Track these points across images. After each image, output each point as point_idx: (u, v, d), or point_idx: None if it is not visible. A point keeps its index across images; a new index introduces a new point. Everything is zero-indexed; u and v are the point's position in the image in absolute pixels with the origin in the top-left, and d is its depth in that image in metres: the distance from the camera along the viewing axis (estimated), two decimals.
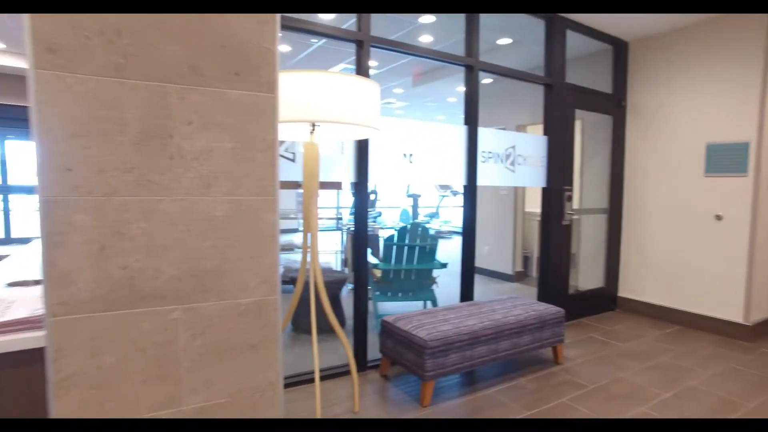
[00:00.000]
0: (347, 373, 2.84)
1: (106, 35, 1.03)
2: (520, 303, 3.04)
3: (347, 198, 8.83)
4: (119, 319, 1.09)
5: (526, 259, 5.85)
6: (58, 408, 1.05)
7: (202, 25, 1.12)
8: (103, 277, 1.06)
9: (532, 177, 3.66)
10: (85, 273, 1.04)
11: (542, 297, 3.83)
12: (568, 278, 3.91)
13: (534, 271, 5.81)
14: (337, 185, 5.06)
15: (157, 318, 1.13)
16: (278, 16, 1.22)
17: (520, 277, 5.70)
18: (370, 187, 4.51)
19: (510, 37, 4.37)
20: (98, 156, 1.04)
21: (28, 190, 7.57)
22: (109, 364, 1.09)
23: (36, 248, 2.91)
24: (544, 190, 3.80)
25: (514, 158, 3.54)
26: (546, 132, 3.78)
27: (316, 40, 4.90)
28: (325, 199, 9.63)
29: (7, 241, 7.69)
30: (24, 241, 7.41)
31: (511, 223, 5.64)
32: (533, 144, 3.66)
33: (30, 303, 1.52)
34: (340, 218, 7.38)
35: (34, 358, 1.34)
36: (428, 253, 3.52)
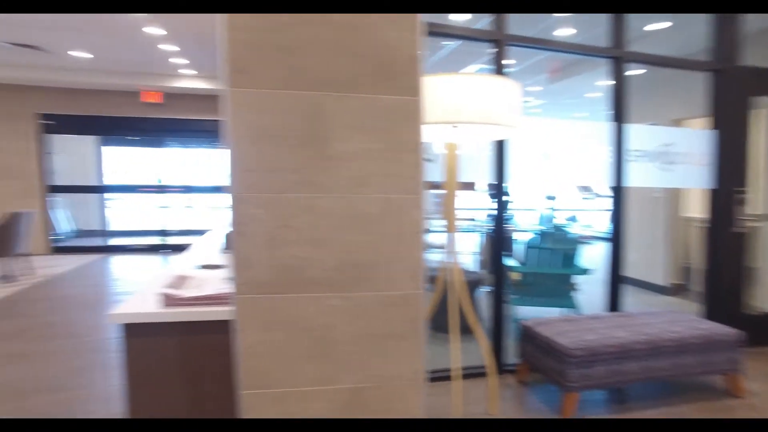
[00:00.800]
0: (481, 374, 2.82)
1: (280, 54, 1.19)
2: (681, 319, 2.72)
3: (479, 199, 8.73)
4: (288, 302, 1.24)
5: (685, 271, 5.18)
6: (244, 371, 1.24)
7: (355, 38, 1.23)
8: (274, 263, 1.23)
9: (692, 177, 3.24)
10: (260, 259, 1.21)
11: (710, 315, 3.36)
12: (743, 296, 3.37)
13: (696, 285, 5.12)
14: (469, 186, 5.04)
15: (320, 303, 1.26)
16: (422, 22, 1.29)
17: (677, 290, 5.06)
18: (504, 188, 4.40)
19: (661, 22, 3.93)
20: (270, 159, 1.21)
21: (204, 190, 8.87)
22: (279, 340, 1.25)
23: (211, 238, 3.42)
24: (711, 193, 3.34)
25: (671, 157, 3.18)
26: (715, 125, 3.32)
27: (447, 43, 4.94)
28: (459, 199, 9.63)
29: (190, 232, 9.10)
30: (200, 233, 8.72)
31: (666, 228, 5.05)
32: (695, 140, 3.24)
33: (216, 282, 1.80)
34: (473, 219, 7.33)
35: (223, 327, 1.60)
36: (569, 257, 3.34)
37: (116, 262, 7.17)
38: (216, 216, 8.59)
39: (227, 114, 1.20)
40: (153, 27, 4.95)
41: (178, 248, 8.20)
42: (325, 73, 1.22)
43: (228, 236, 2.91)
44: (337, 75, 1.23)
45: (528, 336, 2.60)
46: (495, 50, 2.76)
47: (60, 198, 8.11)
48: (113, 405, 2.61)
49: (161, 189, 8.12)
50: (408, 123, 1.28)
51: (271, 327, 1.24)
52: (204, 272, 2.06)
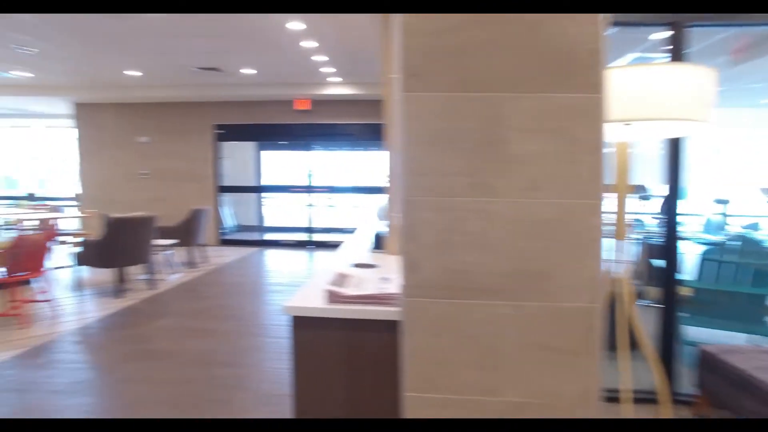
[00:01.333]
0: (648, 401, 2.52)
1: (454, 56, 1.17)
2: None
3: (633, 204, 7.86)
4: (455, 307, 1.23)
5: None
6: (409, 374, 1.25)
7: (532, 36, 1.16)
8: (444, 267, 1.22)
9: None
10: (430, 262, 1.21)
11: None
12: None
13: None
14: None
15: (488, 311, 1.22)
16: (602, 16, 1.17)
17: None
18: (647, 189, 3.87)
19: None
20: (443, 162, 1.20)
21: (347, 190, 9.40)
22: (445, 345, 1.24)
23: (360, 237, 3.59)
24: None
25: None
26: None
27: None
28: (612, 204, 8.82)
29: (333, 230, 9.74)
30: (341, 231, 9.30)
31: None
32: None
33: (375, 282, 1.87)
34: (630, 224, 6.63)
35: (384, 327, 1.65)
36: (763, 274, 2.81)
37: (270, 255, 7.97)
38: (358, 215, 9.06)
39: (400, 118, 1.22)
40: (308, 41, 5.38)
41: (322, 245, 8.83)
42: (501, 73, 1.18)
43: (377, 236, 3.02)
44: (513, 75, 1.17)
45: (710, 364, 2.24)
46: (671, 33, 2.44)
47: (226, 197, 9.27)
48: (277, 385, 2.88)
49: (309, 189, 8.81)
50: (588, 122, 1.18)
51: (437, 332, 1.23)
52: (361, 271, 2.15)
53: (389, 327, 1.65)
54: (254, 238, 9.33)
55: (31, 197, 10.40)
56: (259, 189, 9.65)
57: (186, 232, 6.34)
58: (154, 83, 7.96)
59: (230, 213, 9.88)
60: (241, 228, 10.40)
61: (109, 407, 2.61)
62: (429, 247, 1.21)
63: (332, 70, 6.86)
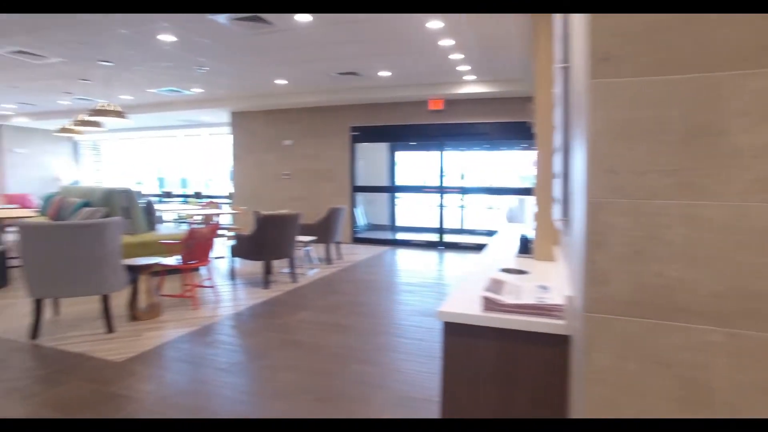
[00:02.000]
0: None
1: (654, 34, 0.99)
2: None
3: None
4: (648, 329, 1.04)
5: None
6: (588, 397, 1.10)
7: None
8: (637, 281, 1.04)
9: None
10: (619, 275, 1.05)
11: None
12: None
13: None
14: None
15: (691, 336, 1.01)
16: None
17: None
18: None
19: None
20: (639, 158, 1.02)
21: (478, 191, 9.18)
22: (632, 371, 1.06)
23: (503, 240, 3.41)
24: None
25: None
26: None
27: None
28: None
29: (467, 231, 9.61)
30: (478, 232, 9.13)
31: None
32: None
33: (533, 291, 1.73)
34: None
35: (546, 340, 1.51)
36: None
37: (401, 254, 8.09)
38: (490, 216, 8.79)
39: (585, 109, 1.08)
40: (446, 39, 5.33)
41: (453, 246, 8.73)
42: (720, 47, 0.97)
43: (523, 240, 2.83)
44: (739, 47, 0.95)
45: None
46: None
47: (359, 196, 9.66)
48: (416, 388, 2.86)
49: (440, 189, 8.77)
50: None
51: (624, 354, 1.06)
52: (514, 278, 2.01)
53: (551, 341, 1.50)
54: (385, 237, 9.58)
55: (197, 195, 11.98)
56: (391, 189, 9.88)
57: (324, 230, 6.72)
58: (298, 90, 8.60)
59: (363, 212, 10.29)
60: (373, 227, 10.77)
61: (260, 391, 2.82)
62: (619, 257, 1.04)
63: (467, 68, 6.72)
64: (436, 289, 5.48)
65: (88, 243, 3.46)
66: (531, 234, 3.00)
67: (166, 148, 13.61)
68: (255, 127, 10.10)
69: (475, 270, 2.35)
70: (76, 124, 7.73)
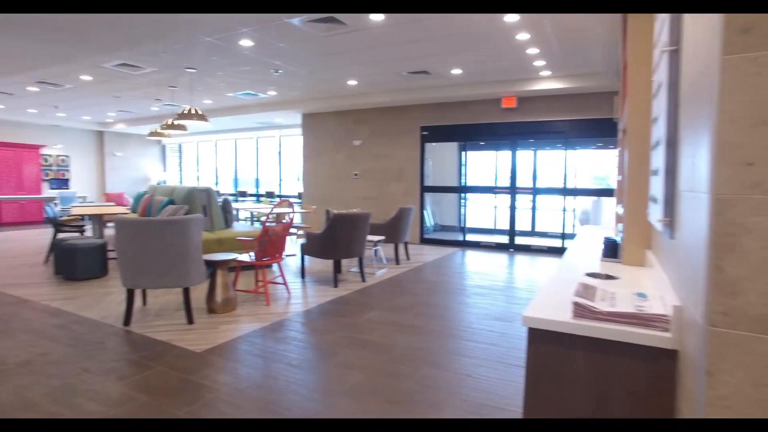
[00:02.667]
0: None
1: None
2: None
3: None
4: None
5: None
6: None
7: None
8: None
9: None
10: (756, 285, 0.89)
11: None
12: None
13: None
14: None
15: None
16: None
17: None
18: None
19: None
20: None
21: (551, 192, 8.78)
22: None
23: (584, 242, 3.19)
24: None
25: None
26: None
27: None
28: None
29: (539, 233, 9.23)
30: (550, 235, 8.73)
31: None
32: None
33: (629, 298, 1.56)
34: None
35: (646, 354, 1.35)
36: None
37: (470, 256, 7.90)
38: (564, 218, 8.37)
39: (710, 91, 0.93)
40: (522, 33, 5.11)
41: (524, 249, 8.40)
42: None
43: (609, 243, 2.62)
44: None
45: None
46: None
47: (427, 196, 9.56)
48: (490, 396, 2.74)
49: (511, 190, 8.47)
50: None
51: (759, 379, 0.90)
52: (606, 283, 1.85)
53: (654, 355, 1.34)
54: (454, 239, 9.41)
55: (269, 195, 12.45)
56: (461, 189, 9.68)
57: (393, 230, 6.70)
58: (368, 90, 8.66)
59: (431, 212, 10.18)
60: (442, 227, 10.64)
61: (331, 390, 2.82)
62: (756, 263, 0.88)
63: (543, 62, 6.43)
64: (508, 292, 5.27)
65: (172, 238, 3.66)
66: (616, 236, 2.77)
67: (242, 148, 14.27)
68: (325, 127, 10.32)
69: (559, 273, 2.19)
70: (164, 128, 8.28)
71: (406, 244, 7.26)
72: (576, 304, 1.46)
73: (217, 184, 14.97)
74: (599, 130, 7.60)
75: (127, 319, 3.87)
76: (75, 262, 5.44)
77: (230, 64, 6.62)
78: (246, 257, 4.58)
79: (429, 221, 9.94)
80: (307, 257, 6.50)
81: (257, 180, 13.83)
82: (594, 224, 10.68)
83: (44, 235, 9.99)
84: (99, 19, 4.58)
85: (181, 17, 4.56)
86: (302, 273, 5.81)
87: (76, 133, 14.02)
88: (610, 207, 9.54)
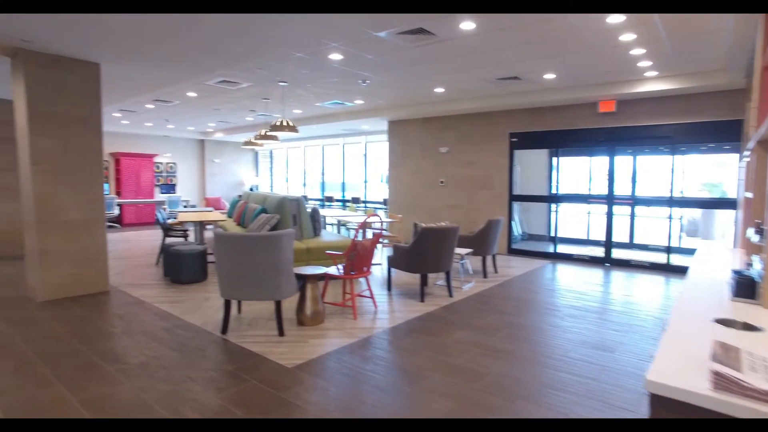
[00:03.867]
0: None
1: None
2: None
3: None
4: None
5: None
6: None
7: None
8: None
9: None
10: None
11: None
12: None
13: None
14: None
15: None
16: None
17: None
18: None
19: None
20: None
21: (654, 202, 8.02)
22: None
23: (701, 266, 2.78)
24: None
25: None
26: None
27: None
28: None
29: (639, 247, 8.52)
30: (652, 248, 7.99)
31: None
32: None
33: None
34: None
35: None
36: None
37: (561, 270, 7.44)
38: (667, 231, 7.60)
39: None
40: (627, 33, 4.69)
41: (623, 263, 7.76)
42: None
43: (740, 278, 2.26)
44: None
45: None
46: None
47: (515, 205, 9.17)
48: None
49: (608, 199, 7.86)
50: None
51: None
52: (750, 340, 1.58)
53: None
54: (543, 250, 8.95)
55: (355, 201, 12.69)
56: (551, 198, 9.20)
57: (481, 242, 6.49)
58: (455, 97, 8.50)
59: (519, 220, 9.77)
60: (530, 237, 10.18)
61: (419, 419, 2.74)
62: None
63: (648, 63, 5.87)
64: (606, 315, 4.86)
65: (265, 253, 3.79)
66: (748, 269, 2.40)
67: (328, 154, 14.72)
68: (411, 134, 10.30)
69: (682, 316, 1.93)
70: (257, 138, 8.74)
71: (494, 256, 7.01)
72: (717, 374, 1.24)
73: (304, 188, 15.57)
74: (714, 134, 6.80)
75: (224, 328, 4.08)
76: (180, 267, 5.88)
77: (319, 76, 6.81)
78: (334, 270, 4.65)
79: (517, 230, 9.54)
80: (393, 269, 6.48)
81: (343, 185, 14.18)
82: (704, 237, 9.59)
83: (155, 236, 10.99)
84: (205, 46, 4.90)
85: (276, 36, 4.74)
86: (388, 285, 5.80)
87: (182, 142, 15.31)
88: (725, 218, 8.48)
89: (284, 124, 7.06)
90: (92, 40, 4.75)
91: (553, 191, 9.32)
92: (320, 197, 14.62)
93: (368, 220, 4.58)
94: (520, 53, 5.50)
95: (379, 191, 13.31)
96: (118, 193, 13.44)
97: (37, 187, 5.16)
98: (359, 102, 9.14)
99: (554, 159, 9.56)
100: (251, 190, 16.34)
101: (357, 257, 4.51)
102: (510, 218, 8.91)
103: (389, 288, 5.78)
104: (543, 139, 8.48)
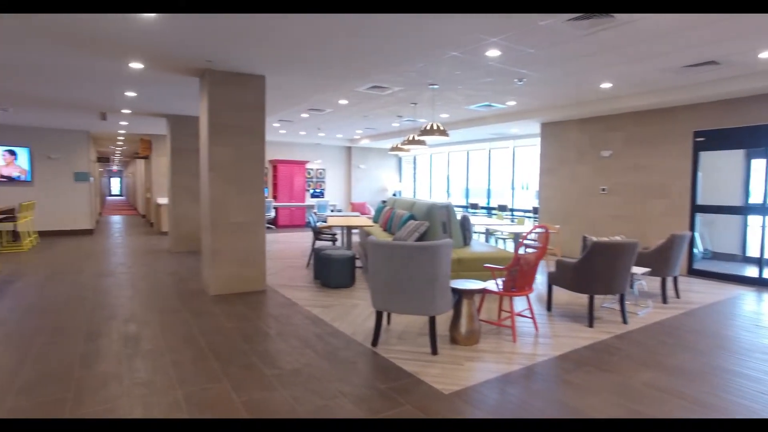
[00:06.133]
0: None
1: None
2: None
3: None
4: None
5: None
6: None
7: None
8: None
9: None
10: None
11: None
12: None
13: None
14: None
15: None
16: None
17: None
18: None
19: None
20: None
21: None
22: None
23: None
24: None
25: None
26: None
27: None
28: None
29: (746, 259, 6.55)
30: None
31: None
32: None
33: None
34: None
35: None
36: None
37: (764, 298, 5.95)
38: None
39: None
40: None
41: None
42: None
43: None
44: None
45: None
46: None
47: (698, 217, 7.70)
48: None
49: None
50: None
51: None
52: None
53: None
54: (736, 273, 7.35)
55: (502, 208, 12.02)
56: (750, 209, 7.54)
57: (661, 261, 5.47)
58: (624, 93, 7.43)
59: (701, 237, 8.20)
60: (714, 256, 8.50)
61: None
62: None
63: None
64: None
65: (422, 264, 3.53)
66: None
67: (473, 160, 14.23)
68: (568, 137, 9.36)
69: None
70: (404, 144, 8.68)
71: (675, 278, 5.88)
72: None
73: (449, 196, 15.30)
74: None
75: (375, 340, 3.92)
76: (329, 272, 5.98)
77: (472, 77, 6.44)
78: (493, 285, 4.22)
79: (698, 247, 8.01)
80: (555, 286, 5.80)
81: (489, 191, 13.58)
82: None
83: (304, 238, 11.67)
84: (362, 51, 4.87)
85: (434, 36, 4.49)
86: (548, 304, 5.16)
87: (330, 149, 16.18)
88: None
89: (434, 128, 6.83)
90: (261, 54, 5.02)
91: (753, 200, 7.61)
92: (464, 204, 14.20)
93: (535, 231, 4.05)
94: (729, 29, 4.46)
95: (528, 199, 12.44)
96: (275, 197, 14.66)
97: (213, 191, 5.65)
98: (511, 103, 8.55)
99: (753, 161, 7.81)
100: (394, 195, 16.61)
101: (520, 273, 4.02)
102: (692, 232, 7.49)
103: (549, 307, 5.13)
104: (741, 137, 6.95)
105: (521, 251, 4.13)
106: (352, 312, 4.96)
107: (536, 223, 6.83)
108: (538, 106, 8.73)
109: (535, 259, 4.05)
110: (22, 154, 11.16)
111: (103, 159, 23.58)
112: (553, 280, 4.87)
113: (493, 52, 5.24)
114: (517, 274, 4.03)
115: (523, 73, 6.19)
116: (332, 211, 15.20)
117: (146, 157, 15.54)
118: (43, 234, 11.50)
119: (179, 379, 3.24)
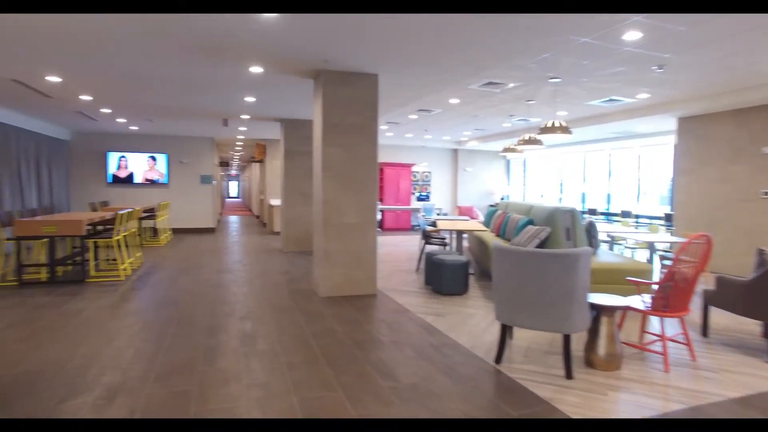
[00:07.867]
0: None
1: None
2: None
3: None
4: None
5: None
6: None
7: None
8: None
9: None
10: None
11: None
12: None
13: None
14: None
15: None
16: None
17: None
18: None
19: None
20: None
21: None
22: None
23: None
24: None
25: None
26: None
27: None
28: None
29: None
30: None
31: None
32: None
33: None
34: None
35: None
36: None
37: None
38: None
39: None
40: None
41: None
42: None
43: None
44: None
45: None
46: None
47: None
48: None
49: None
50: None
51: None
52: None
53: None
54: None
55: (625, 214, 10.82)
56: None
57: None
58: None
59: None
60: None
61: None
62: None
63: None
64: None
65: (558, 274, 3.08)
66: None
67: (591, 162, 13.07)
68: (715, 132, 8.09)
69: None
70: (520, 144, 8.11)
71: None
72: None
73: (560, 201, 14.24)
74: None
75: (498, 357, 3.54)
76: (441, 278, 5.68)
77: (601, 66, 5.75)
78: (637, 302, 3.62)
79: None
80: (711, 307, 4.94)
81: (608, 197, 12.36)
82: None
83: (411, 241, 11.50)
84: (480, 42, 4.53)
85: (563, 23, 4.00)
86: (704, 329, 4.33)
87: (436, 152, 15.91)
88: None
89: (556, 125, 6.23)
90: (374, 52, 4.89)
91: None
92: (581, 209, 13.09)
93: (694, 241, 3.39)
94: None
95: (654, 204, 11.09)
96: (381, 200, 14.75)
97: (326, 192, 5.65)
98: (642, 96, 7.59)
99: None
100: (502, 199, 15.88)
101: (673, 289, 3.38)
102: None
103: (705, 333, 4.32)
104: None
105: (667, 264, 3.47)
106: (468, 322, 4.61)
107: (687, 233, 5.89)
108: (677, 96, 7.65)
109: (694, 274, 3.38)
110: (161, 159, 12.45)
111: (224, 163, 25.78)
112: (711, 300, 4.08)
113: (633, 35, 4.59)
114: (671, 291, 3.38)
115: (665, 58, 5.38)
116: (438, 214, 14.90)
117: (261, 161, 16.56)
118: (174, 231, 12.71)
119: (294, 384, 3.15)
